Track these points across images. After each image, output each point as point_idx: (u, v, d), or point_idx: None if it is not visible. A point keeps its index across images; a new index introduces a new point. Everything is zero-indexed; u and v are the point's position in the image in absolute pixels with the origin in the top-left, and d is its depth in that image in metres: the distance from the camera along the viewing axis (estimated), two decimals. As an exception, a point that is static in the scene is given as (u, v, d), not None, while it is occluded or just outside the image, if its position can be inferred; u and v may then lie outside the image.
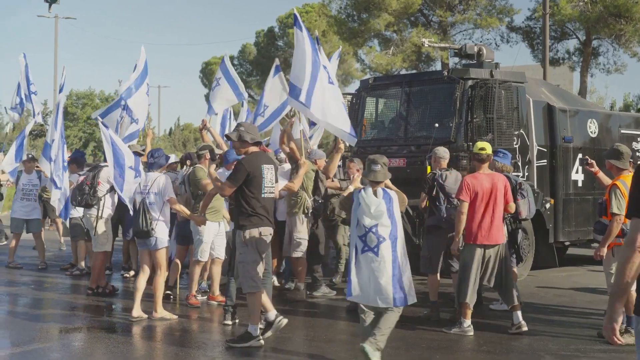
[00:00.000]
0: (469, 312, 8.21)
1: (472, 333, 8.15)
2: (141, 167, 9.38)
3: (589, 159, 8.83)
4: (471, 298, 8.17)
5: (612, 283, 3.71)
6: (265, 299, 7.64)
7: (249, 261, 7.46)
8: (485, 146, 8.37)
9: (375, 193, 6.89)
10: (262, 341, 7.45)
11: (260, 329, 7.55)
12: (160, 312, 8.79)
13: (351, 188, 7.86)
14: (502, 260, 8.32)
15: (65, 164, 10.87)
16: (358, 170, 10.56)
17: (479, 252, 8.18)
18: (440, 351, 7.45)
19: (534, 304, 9.99)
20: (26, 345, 7.73)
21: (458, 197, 8.27)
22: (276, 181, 7.78)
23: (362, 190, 6.95)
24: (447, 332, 8.23)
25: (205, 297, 9.98)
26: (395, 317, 6.86)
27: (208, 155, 9.80)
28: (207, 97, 50.82)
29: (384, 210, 6.81)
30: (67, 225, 12.14)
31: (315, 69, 9.07)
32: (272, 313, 7.64)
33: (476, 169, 8.37)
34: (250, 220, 7.45)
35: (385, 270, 6.73)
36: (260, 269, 7.55)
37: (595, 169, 8.77)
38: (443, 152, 9.26)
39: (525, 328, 8.20)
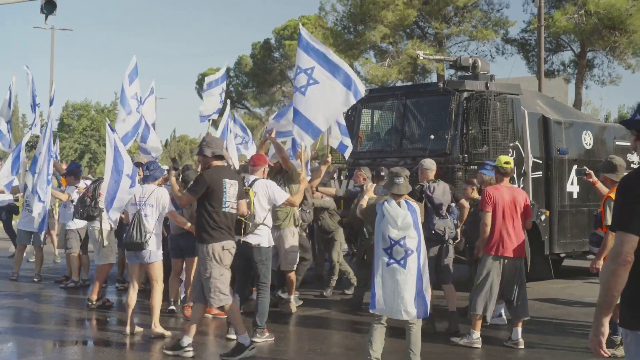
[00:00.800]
0: (479, 324, 8.20)
1: (479, 345, 8.14)
2: (137, 178, 9.36)
3: (587, 169, 8.86)
4: (484, 309, 8.13)
5: (598, 296, 3.72)
6: (239, 318, 7.65)
7: (216, 276, 7.50)
8: (510, 160, 8.50)
9: (399, 205, 6.94)
10: (255, 349, 7.48)
11: (250, 341, 7.58)
12: (158, 327, 8.57)
13: (366, 198, 7.95)
14: (519, 273, 8.31)
15: (50, 177, 10.86)
16: (365, 179, 10.59)
17: (497, 263, 8.18)
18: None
19: (530, 315, 9.96)
20: (21, 358, 7.70)
21: (481, 208, 8.32)
22: (241, 197, 7.83)
23: (386, 202, 6.98)
24: (456, 343, 8.22)
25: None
26: (419, 329, 6.92)
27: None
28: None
29: (411, 222, 6.85)
30: (54, 237, 12.16)
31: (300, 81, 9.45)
32: (246, 335, 7.58)
33: (498, 181, 8.42)
34: (211, 235, 7.54)
35: (411, 283, 6.76)
36: (227, 282, 7.61)
37: (594, 179, 8.82)
38: (429, 164, 9.28)
39: (521, 346, 8.16)
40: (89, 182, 11.95)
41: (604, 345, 3.78)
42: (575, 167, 12.75)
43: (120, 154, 9.11)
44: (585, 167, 8.89)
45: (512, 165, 8.48)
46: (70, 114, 62.22)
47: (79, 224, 12.29)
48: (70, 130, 59.58)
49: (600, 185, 8.84)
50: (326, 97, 9.39)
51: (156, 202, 8.62)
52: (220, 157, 7.87)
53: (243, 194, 7.96)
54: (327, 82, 9.41)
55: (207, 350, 8.22)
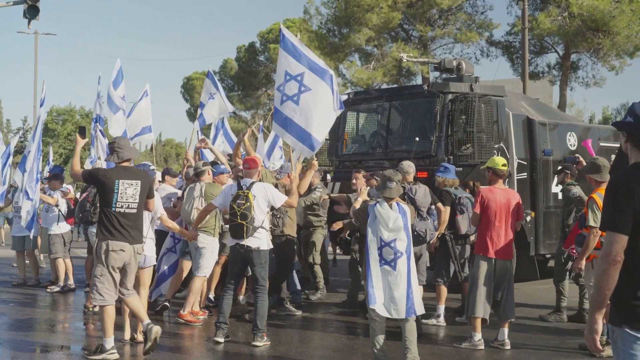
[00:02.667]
0: (479, 326, 8.22)
1: (482, 347, 8.16)
2: None
3: (579, 157, 8.85)
4: (484, 311, 8.16)
5: (591, 295, 3.77)
6: (138, 308, 7.75)
7: (97, 274, 7.58)
8: (507, 162, 8.58)
9: (390, 207, 7.13)
10: (116, 355, 7.53)
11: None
12: (139, 334, 8.37)
13: (360, 200, 8.04)
14: (508, 275, 8.35)
15: (39, 176, 10.82)
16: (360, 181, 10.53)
17: (489, 265, 8.21)
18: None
19: (516, 316, 10.00)
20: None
21: (473, 209, 8.42)
22: (149, 196, 7.92)
23: (378, 204, 7.16)
24: (458, 347, 8.25)
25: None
26: (413, 324, 7.10)
27: (210, 172, 9.96)
28: (188, 112, 50.82)
29: (401, 225, 7.05)
30: (37, 238, 12.15)
31: (284, 84, 9.42)
32: (145, 322, 7.64)
33: (492, 183, 8.45)
34: (101, 232, 7.64)
35: (401, 284, 6.98)
36: (109, 283, 7.56)
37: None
38: (407, 167, 9.30)
39: (508, 347, 8.20)
40: (71, 187, 11.92)
41: (598, 342, 3.86)
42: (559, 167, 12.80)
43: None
44: (577, 155, 8.86)
45: (507, 167, 8.56)
46: (54, 119, 61.88)
47: (63, 228, 12.25)
48: (54, 135, 59.25)
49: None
50: (320, 104, 9.31)
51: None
52: (128, 159, 7.87)
53: (151, 192, 8.01)
54: (319, 88, 9.33)
55: (201, 356, 8.18)
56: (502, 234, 8.21)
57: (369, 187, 8.81)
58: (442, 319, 9.58)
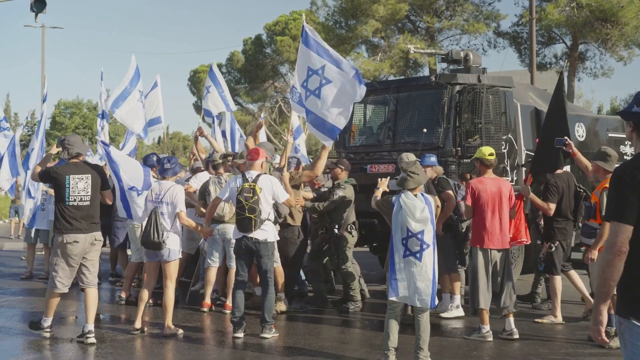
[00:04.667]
0: (487, 317, 8.23)
1: (491, 338, 8.17)
2: (152, 178, 9.31)
3: (567, 139, 8.85)
4: (485, 303, 8.18)
5: (596, 286, 3.77)
6: (91, 304, 8.12)
7: (52, 264, 8.16)
8: (493, 151, 8.53)
9: (415, 197, 7.10)
10: (47, 334, 8.26)
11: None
12: (171, 326, 8.49)
13: (380, 190, 8.02)
14: (505, 265, 8.35)
15: None
16: (342, 171, 10.35)
17: (485, 256, 8.22)
18: (431, 357, 7.43)
19: (524, 308, 10.00)
20: (17, 356, 7.68)
21: (464, 201, 8.42)
22: (103, 188, 8.30)
23: (403, 195, 7.12)
24: (467, 338, 8.26)
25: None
26: (427, 318, 7.07)
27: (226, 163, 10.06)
28: (195, 105, 50.84)
29: (428, 216, 7.02)
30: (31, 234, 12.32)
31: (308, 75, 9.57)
32: (88, 326, 8.06)
33: (481, 174, 8.42)
34: (57, 226, 8.15)
35: (426, 275, 6.96)
36: (64, 273, 8.09)
37: (574, 150, 8.84)
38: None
39: (516, 336, 8.22)
40: None
41: (603, 334, 3.84)
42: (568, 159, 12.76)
43: (117, 173, 9.05)
44: (565, 137, 8.86)
45: (495, 156, 8.50)
46: (62, 112, 62.06)
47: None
48: (62, 128, 59.41)
49: (580, 156, 8.94)
50: (340, 94, 9.44)
51: (171, 200, 8.50)
52: (78, 155, 8.28)
53: (105, 185, 8.38)
54: (339, 78, 9.46)
55: (222, 351, 8.21)
56: (495, 224, 8.20)
57: (388, 178, 8.73)
58: (461, 309, 9.61)
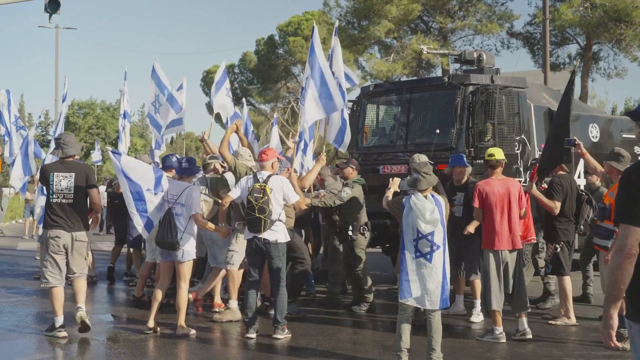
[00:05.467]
0: (500, 319, 8.21)
1: (504, 340, 8.14)
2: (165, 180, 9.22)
3: (576, 139, 8.82)
4: (498, 304, 8.15)
5: (606, 289, 3.75)
6: (79, 290, 8.42)
7: (42, 259, 8.48)
8: (494, 152, 8.49)
9: (425, 198, 7.08)
10: (64, 333, 8.26)
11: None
12: (183, 326, 8.47)
13: (391, 190, 8.05)
14: (517, 265, 8.32)
15: None
16: (353, 170, 10.31)
17: (497, 257, 8.20)
18: (443, 358, 7.42)
19: (537, 309, 9.97)
20: (30, 355, 7.71)
21: (473, 204, 8.36)
22: (89, 187, 8.43)
23: (413, 196, 7.10)
24: (480, 340, 8.24)
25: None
26: (439, 318, 7.07)
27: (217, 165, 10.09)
28: (208, 106, 50.90)
29: (438, 217, 7.00)
30: None
31: (320, 77, 9.88)
32: (77, 305, 8.35)
33: (489, 175, 8.39)
34: (44, 222, 8.49)
35: (436, 276, 6.95)
36: (53, 267, 8.29)
37: (582, 150, 8.81)
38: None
39: (529, 336, 8.19)
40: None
41: (614, 337, 3.81)
42: (581, 160, 12.71)
43: (129, 177, 8.74)
44: (574, 138, 8.84)
45: (497, 156, 8.41)
46: (75, 113, 62.36)
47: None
48: (76, 128, 59.71)
49: (589, 157, 8.92)
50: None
51: (186, 201, 8.42)
52: (72, 156, 8.53)
53: (90, 183, 8.48)
54: (312, 93, 9.87)
55: (231, 352, 8.22)
56: (505, 225, 8.17)
57: (399, 179, 8.70)
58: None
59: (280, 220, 8.37)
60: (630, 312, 3.75)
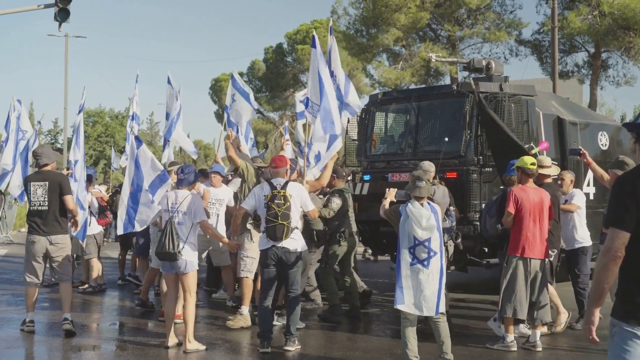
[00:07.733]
0: (513, 327, 8.20)
1: (515, 348, 8.11)
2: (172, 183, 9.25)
3: (582, 149, 8.83)
4: (521, 312, 8.09)
5: (590, 288, 3.95)
6: (65, 297, 8.91)
7: (24, 259, 9.13)
8: (535, 161, 8.48)
9: (422, 206, 7.21)
10: (32, 328, 8.93)
11: None
12: (193, 342, 8.11)
13: (388, 200, 8.06)
14: (543, 275, 8.29)
15: (85, 184, 10.78)
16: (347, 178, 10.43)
17: (525, 265, 8.17)
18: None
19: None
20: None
21: (506, 208, 8.28)
22: (62, 194, 8.82)
23: (410, 204, 7.22)
24: (490, 348, 8.21)
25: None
26: (445, 322, 7.18)
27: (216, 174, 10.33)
28: (217, 114, 51.05)
29: (434, 224, 7.12)
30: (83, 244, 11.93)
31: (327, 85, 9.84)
32: (64, 315, 8.82)
33: (523, 182, 8.38)
34: (28, 227, 9.07)
35: (433, 282, 7.04)
36: (31, 269, 8.99)
37: (588, 159, 8.81)
38: (428, 166, 9.24)
39: (539, 349, 8.14)
40: (102, 188, 11.97)
41: (594, 333, 4.02)
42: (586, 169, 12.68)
43: (140, 169, 9.08)
44: (580, 147, 8.85)
45: (537, 166, 8.46)
46: (85, 121, 62.58)
47: (94, 229, 12.35)
48: (85, 136, 59.94)
49: (595, 165, 8.96)
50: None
51: (189, 209, 8.09)
52: (45, 165, 9.01)
53: (64, 191, 8.88)
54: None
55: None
56: (537, 234, 8.15)
57: (395, 189, 8.70)
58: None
59: (298, 229, 8.22)
60: (617, 311, 3.92)
